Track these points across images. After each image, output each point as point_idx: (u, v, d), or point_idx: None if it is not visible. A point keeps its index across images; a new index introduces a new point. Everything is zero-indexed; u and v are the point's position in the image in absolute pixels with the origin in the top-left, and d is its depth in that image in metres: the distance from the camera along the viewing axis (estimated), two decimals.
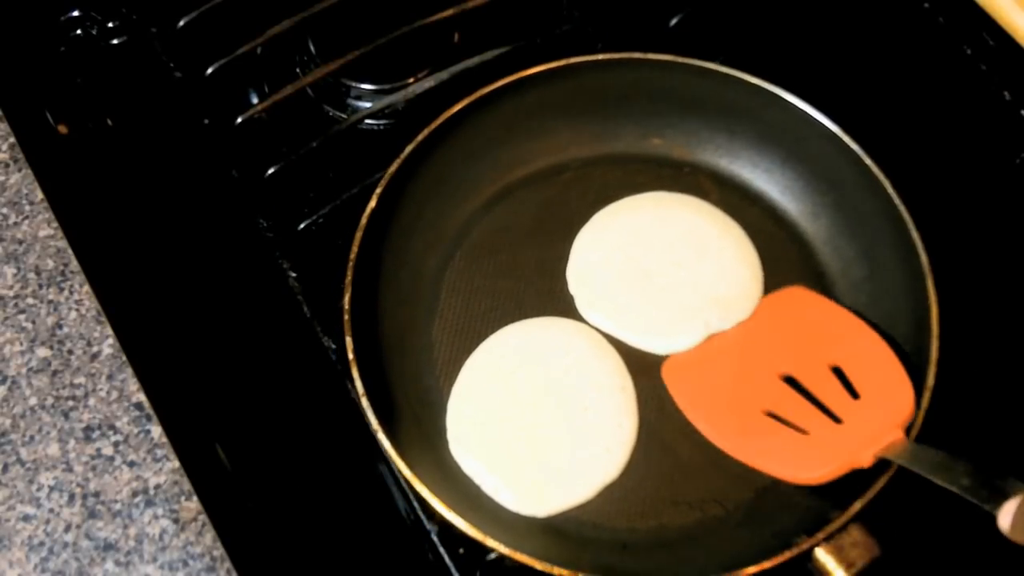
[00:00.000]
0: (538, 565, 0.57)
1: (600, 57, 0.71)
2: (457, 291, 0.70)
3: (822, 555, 0.56)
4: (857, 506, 0.57)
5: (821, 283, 0.69)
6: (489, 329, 0.68)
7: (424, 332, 0.68)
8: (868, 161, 0.66)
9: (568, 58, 0.71)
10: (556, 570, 0.57)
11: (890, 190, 0.65)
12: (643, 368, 0.66)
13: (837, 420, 0.60)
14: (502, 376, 0.66)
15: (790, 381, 0.63)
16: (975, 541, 0.61)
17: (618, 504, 0.62)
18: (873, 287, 0.67)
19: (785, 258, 0.70)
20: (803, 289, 0.67)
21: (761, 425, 0.61)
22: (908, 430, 0.59)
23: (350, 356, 0.62)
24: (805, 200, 0.71)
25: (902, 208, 0.64)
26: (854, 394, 0.61)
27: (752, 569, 0.56)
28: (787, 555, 0.56)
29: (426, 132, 0.68)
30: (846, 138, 0.67)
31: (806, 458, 0.59)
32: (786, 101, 0.68)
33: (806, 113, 0.68)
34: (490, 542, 0.57)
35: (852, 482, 0.58)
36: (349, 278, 0.64)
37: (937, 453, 0.55)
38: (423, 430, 0.65)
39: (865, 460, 0.57)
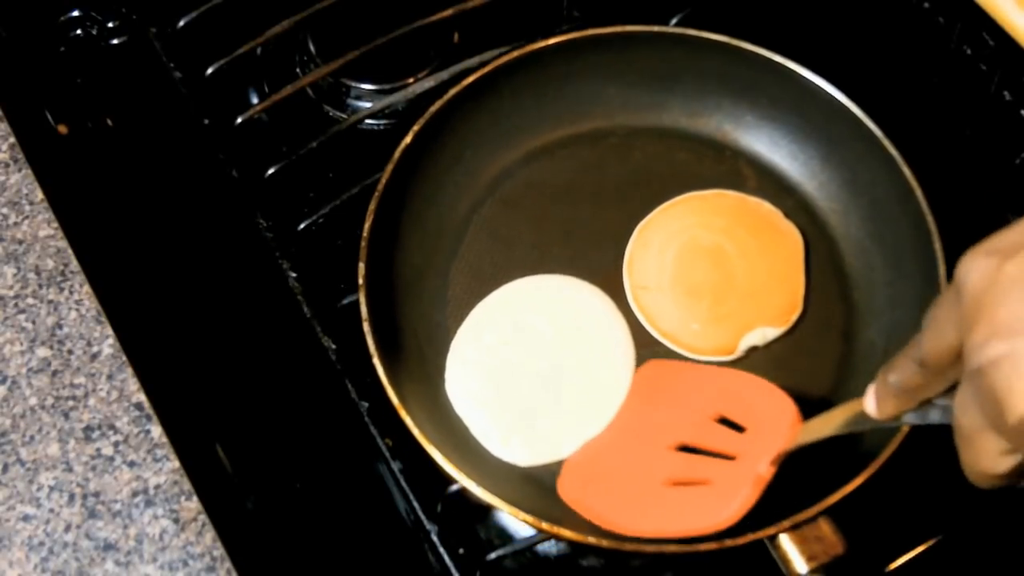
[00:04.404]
0: (507, 509, 0.58)
1: (655, 29, 0.72)
2: (481, 237, 0.71)
3: (785, 542, 0.56)
4: (828, 501, 0.57)
5: (844, 282, 0.69)
6: (506, 278, 0.69)
7: (441, 272, 0.69)
8: (905, 170, 0.66)
9: (624, 25, 0.71)
10: (522, 515, 0.57)
11: (921, 200, 0.65)
12: (647, 341, 0.67)
13: (732, 458, 0.59)
14: (509, 323, 0.67)
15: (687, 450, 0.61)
16: (948, 555, 0.62)
17: None
18: (894, 292, 0.67)
19: (814, 252, 0.70)
20: (658, 362, 0.66)
21: (667, 496, 0.60)
22: None
23: (360, 281, 0.63)
24: (839, 199, 0.71)
25: (930, 219, 0.65)
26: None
27: (712, 545, 0.56)
28: (749, 537, 0.56)
29: (472, 78, 0.70)
30: (887, 143, 0.67)
31: (715, 502, 0.58)
32: (834, 98, 0.69)
33: (852, 113, 0.69)
34: (464, 480, 0.58)
35: (828, 477, 0.59)
36: (372, 207, 0.65)
37: (811, 420, 0.55)
38: (425, 368, 0.66)
39: (764, 472, 0.57)
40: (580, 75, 0.73)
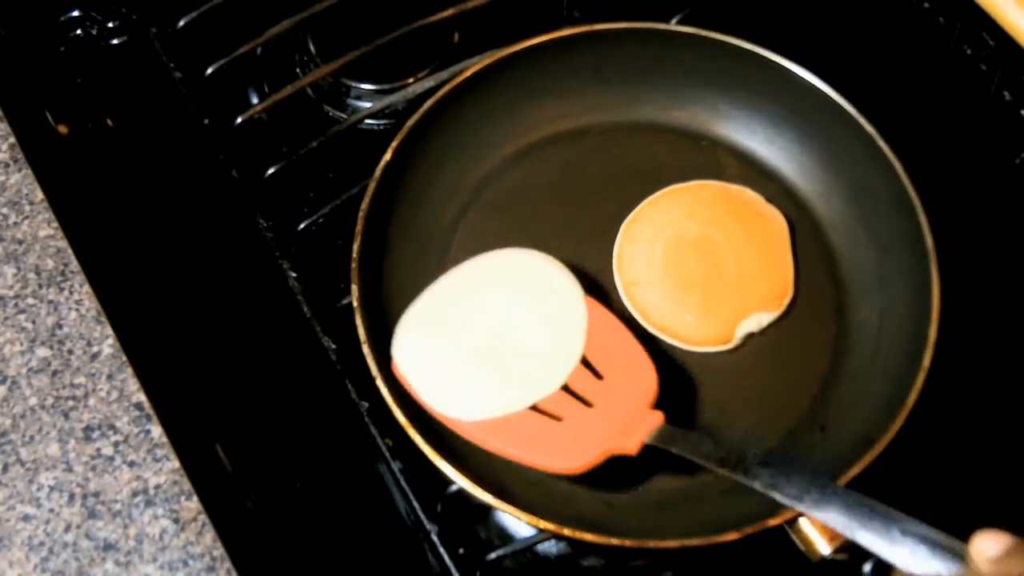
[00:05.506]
0: (524, 518, 0.57)
1: (624, 26, 0.72)
2: (469, 244, 0.70)
3: (806, 525, 0.56)
4: (843, 480, 0.57)
5: (832, 263, 0.70)
6: None
7: (432, 278, 0.68)
8: (882, 144, 0.67)
9: (593, 24, 0.72)
10: (542, 523, 0.57)
11: (902, 174, 0.66)
12: (642, 336, 0.66)
13: (588, 404, 0.60)
14: (461, 299, 0.64)
15: None
16: (958, 522, 0.62)
17: (606, 464, 0.61)
18: (882, 269, 0.68)
19: (799, 235, 0.71)
20: None
21: (514, 416, 0.60)
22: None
23: (355, 303, 0.63)
24: (821, 180, 0.72)
25: (911, 190, 0.65)
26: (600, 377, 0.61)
27: (734, 535, 0.56)
28: (770, 522, 0.56)
29: (447, 89, 0.69)
30: (861, 120, 0.68)
31: (564, 446, 0.59)
32: (806, 81, 0.69)
33: (825, 94, 0.69)
34: (461, 480, 0.58)
35: (839, 459, 0.59)
36: (360, 227, 0.65)
37: (700, 436, 0.58)
38: None
39: (631, 447, 0.58)
40: (552, 76, 0.73)
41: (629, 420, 0.59)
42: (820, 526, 0.56)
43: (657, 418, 0.59)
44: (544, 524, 0.57)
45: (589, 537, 0.57)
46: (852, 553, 0.55)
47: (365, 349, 0.61)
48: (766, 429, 0.65)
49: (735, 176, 0.72)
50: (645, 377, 0.60)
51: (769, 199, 0.71)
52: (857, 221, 0.70)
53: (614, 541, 0.57)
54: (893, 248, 0.67)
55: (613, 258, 0.70)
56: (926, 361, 0.61)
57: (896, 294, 0.66)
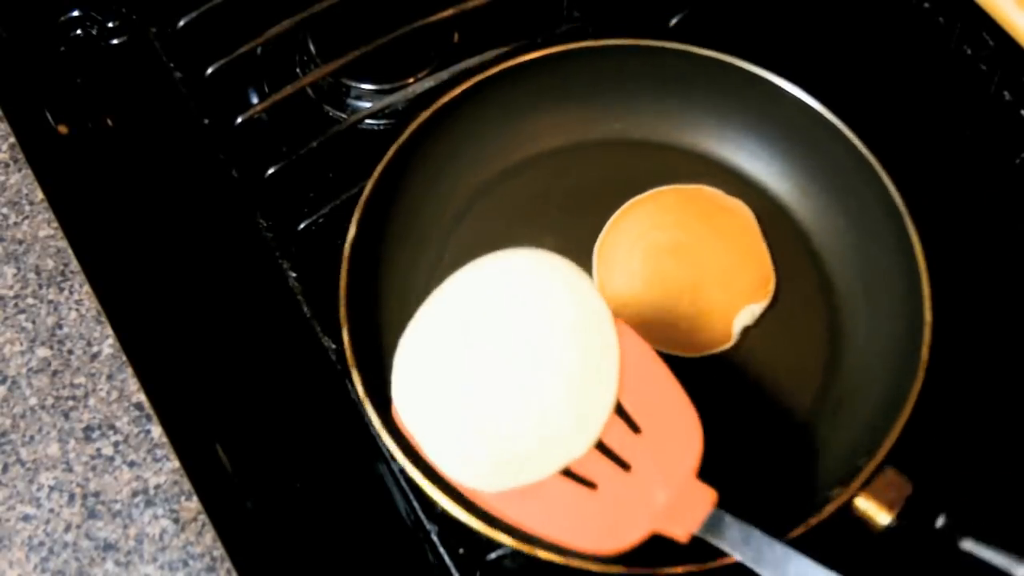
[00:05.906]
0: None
1: (585, 45, 0.72)
2: (460, 256, 0.69)
3: (863, 502, 0.56)
4: (886, 448, 0.57)
5: (802, 239, 0.70)
6: None
7: (425, 291, 0.67)
8: (848, 132, 0.67)
9: (575, 42, 0.72)
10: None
11: (871, 158, 0.66)
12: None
13: (625, 465, 0.52)
14: (470, 326, 0.55)
15: None
16: (998, 466, 0.63)
17: None
18: (864, 257, 0.68)
19: (776, 232, 0.71)
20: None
21: (542, 483, 0.52)
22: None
23: (342, 310, 0.62)
24: (792, 177, 0.72)
25: (882, 172, 0.65)
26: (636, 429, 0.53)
27: (800, 529, 0.56)
28: (828, 510, 0.56)
29: (441, 103, 0.69)
30: (822, 109, 0.67)
31: (601, 523, 0.51)
32: (763, 78, 0.69)
33: (783, 89, 0.69)
34: (504, 539, 0.56)
35: (868, 428, 0.60)
36: (346, 259, 0.64)
37: (765, 539, 0.50)
38: None
39: (680, 534, 0.50)
40: (534, 97, 0.72)
41: (676, 495, 0.51)
42: (876, 500, 0.56)
43: (709, 499, 0.51)
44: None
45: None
46: (911, 519, 0.55)
47: (355, 374, 0.60)
48: (784, 417, 0.65)
49: (710, 182, 0.72)
50: (690, 432, 0.51)
51: (728, 191, 0.71)
52: (836, 213, 0.70)
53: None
54: (872, 231, 0.67)
55: (595, 283, 0.69)
56: (927, 336, 0.61)
57: (877, 255, 0.66)
